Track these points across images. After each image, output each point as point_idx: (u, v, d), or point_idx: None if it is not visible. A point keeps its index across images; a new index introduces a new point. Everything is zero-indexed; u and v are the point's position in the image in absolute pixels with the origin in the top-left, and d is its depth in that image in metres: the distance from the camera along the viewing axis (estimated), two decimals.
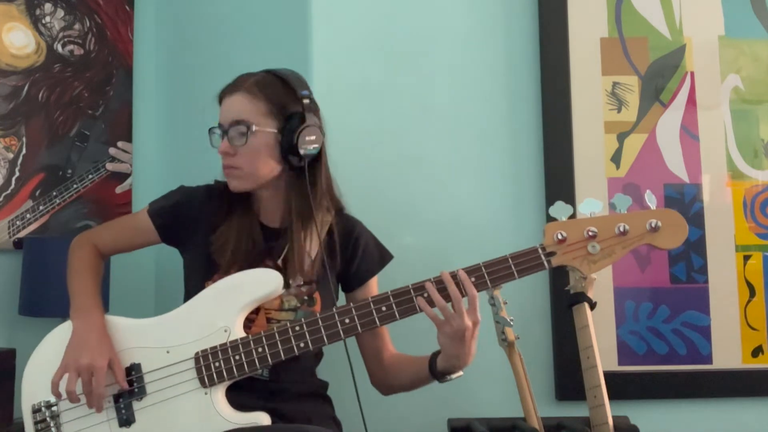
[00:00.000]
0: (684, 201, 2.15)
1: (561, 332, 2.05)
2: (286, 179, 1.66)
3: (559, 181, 2.11)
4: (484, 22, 2.18)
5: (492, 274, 1.53)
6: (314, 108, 1.65)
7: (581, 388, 1.70)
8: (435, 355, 1.61)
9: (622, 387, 2.03)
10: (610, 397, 1.67)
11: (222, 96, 1.68)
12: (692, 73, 2.19)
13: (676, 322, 2.11)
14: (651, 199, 1.53)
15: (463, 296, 1.52)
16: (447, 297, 1.52)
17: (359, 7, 2.16)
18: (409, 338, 1.74)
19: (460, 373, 1.60)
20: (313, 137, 1.61)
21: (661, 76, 2.18)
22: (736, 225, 2.15)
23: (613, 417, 1.67)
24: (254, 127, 1.61)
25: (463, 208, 2.12)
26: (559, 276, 2.01)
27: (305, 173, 1.63)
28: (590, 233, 1.52)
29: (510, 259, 1.54)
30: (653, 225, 1.51)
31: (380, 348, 1.74)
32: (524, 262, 1.54)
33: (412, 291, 1.54)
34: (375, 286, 1.76)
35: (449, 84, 2.16)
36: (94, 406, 1.55)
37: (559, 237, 1.52)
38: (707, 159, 2.17)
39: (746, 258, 2.14)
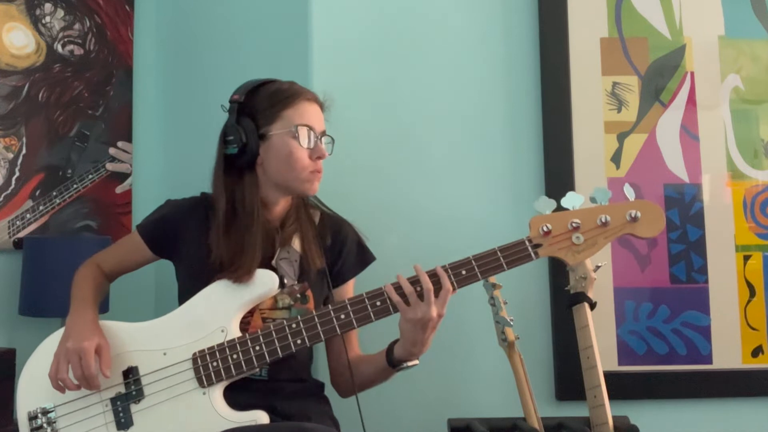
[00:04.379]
0: (684, 201, 2.15)
1: (561, 332, 2.05)
2: None
3: (559, 181, 2.11)
4: (484, 22, 2.18)
5: (482, 266, 1.57)
6: None
7: (581, 388, 1.71)
8: (392, 345, 1.66)
9: (622, 387, 2.02)
10: (610, 397, 1.67)
11: (306, 99, 1.71)
12: (692, 73, 2.19)
13: (676, 322, 2.11)
14: (629, 192, 1.59)
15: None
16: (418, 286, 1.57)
17: (359, 7, 2.16)
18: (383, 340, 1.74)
19: (416, 361, 1.64)
20: None
21: (661, 76, 2.18)
22: (736, 225, 2.15)
23: (613, 417, 1.67)
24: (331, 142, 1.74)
25: (463, 207, 2.12)
26: (559, 276, 2.01)
27: None
28: (574, 225, 1.57)
29: (498, 252, 1.58)
30: (633, 215, 1.56)
31: (346, 349, 1.75)
32: (512, 254, 1.58)
33: (383, 287, 1.58)
34: (352, 287, 1.81)
35: (449, 84, 2.16)
36: (91, 387, 1.55)
37: (545, 229, 1.57)
38: (707, 159, 2.17)
39: (746, 258, 2.14)
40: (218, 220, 1.68)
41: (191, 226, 1.73)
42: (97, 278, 1.76)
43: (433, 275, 1.57)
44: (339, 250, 1.77)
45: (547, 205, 1.60)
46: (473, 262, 1.58)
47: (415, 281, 1.57)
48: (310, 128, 1.68)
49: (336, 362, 1.79)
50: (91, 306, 1.66)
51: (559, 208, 1.61)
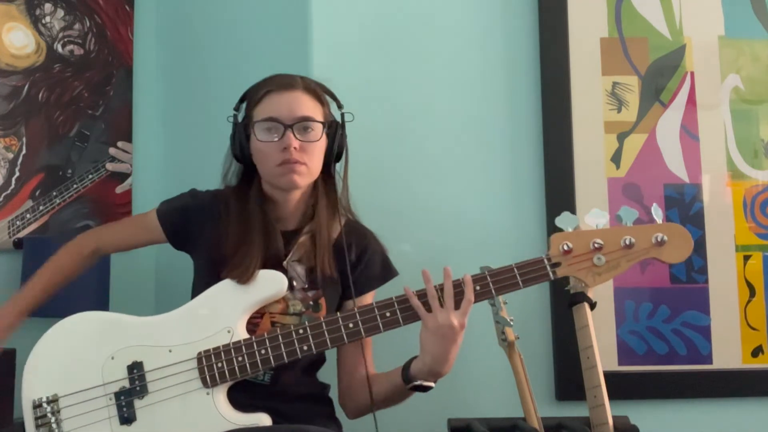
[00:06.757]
0: (684, 201, 2.15)
1: (561, 332, 2.05)
2: (319, 182, 1.71)
3: (559, 181, 2.11)
4: (484, 22, 2.18)
5: (497, 283, 1.53)
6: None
7: (581, 388, 1.70)
8: (409, 361, 1.60)
9: (622, 387, 2.02)
10: (610, 397, 1.67)
11: (272, 91, 1.64)
12: (692, 73, 2.19)
13: (676, 322, 2.11)
14: (657, 213, 1.52)
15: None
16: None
17: (359, 7, 2.15)
18: (397, 356, 1.72)
19: (432, 384, 1.57)
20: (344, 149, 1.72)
21: (661, 76, 2.18)
22: (736, 225, 2.15)
23: (613, 417, 1.67)
24: (320, 127, 1.65)
25: (463, 207, 2.12)
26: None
27: (334, 179, 1.73)
28: (596, 245, 1.51)
29: (515, 269, 1.53)
30: (659, 239, 1.51)
31: (358, 364, 1.71)
32: (529, 272, 1.53)
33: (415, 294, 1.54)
34: (371, 299, 1.73)
35: (449, 84, 2.16)
36: None
37: (565, 248, 1.51)
38: (707, 159, 2.17)
39: (746, 258, 2.14)
40: (225, 219, 1.68)
41: (209, 220, 1.71)
42: (65, 264, 1.78)
43: (458, 285, 1.52)
44: (360, 260, 1.72)
45: (569, 222, 1.53)
46: (488, 278, 1.54)
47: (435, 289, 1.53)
48: (273, 120, 1.61)
49: (347, 379, 1.72)
50: (29, 296, 1.76)
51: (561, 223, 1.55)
